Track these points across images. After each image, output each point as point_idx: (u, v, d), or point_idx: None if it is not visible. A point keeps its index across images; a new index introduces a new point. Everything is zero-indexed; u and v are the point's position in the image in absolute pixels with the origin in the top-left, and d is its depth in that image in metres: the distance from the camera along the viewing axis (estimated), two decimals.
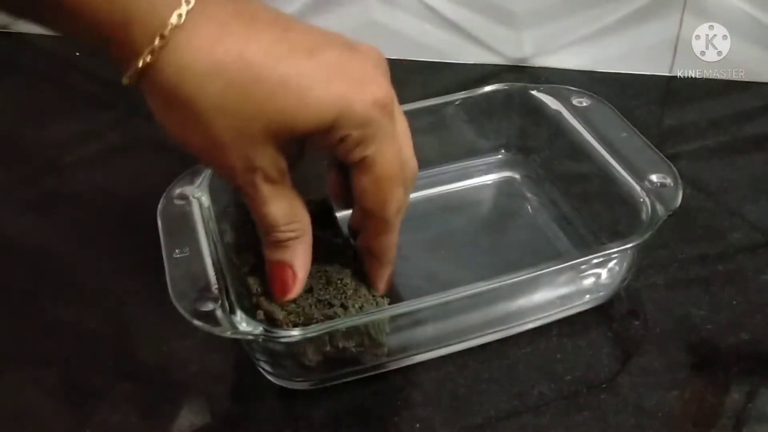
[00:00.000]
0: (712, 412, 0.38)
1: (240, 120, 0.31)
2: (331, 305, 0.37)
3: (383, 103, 0.33)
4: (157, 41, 0.29)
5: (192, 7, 0.30)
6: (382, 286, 0.38)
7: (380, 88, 0.33)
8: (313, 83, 0.31)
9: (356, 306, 0.37)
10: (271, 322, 0.37)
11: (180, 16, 0.30)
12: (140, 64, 0.30)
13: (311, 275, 0.39)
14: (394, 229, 0.36)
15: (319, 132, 0.32)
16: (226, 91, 0.30)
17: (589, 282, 0.42)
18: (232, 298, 0.36)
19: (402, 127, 0.35)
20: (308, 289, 0.38)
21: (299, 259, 0.36)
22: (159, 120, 0.32)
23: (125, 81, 0.31)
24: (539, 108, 0.49)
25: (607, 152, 0.44)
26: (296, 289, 0.36)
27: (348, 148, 0.33)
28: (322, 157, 0.39)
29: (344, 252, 0.41)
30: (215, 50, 0.30)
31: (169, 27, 0.29)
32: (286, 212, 0.35)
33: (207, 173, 0.43)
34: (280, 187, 0.34)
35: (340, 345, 0.37)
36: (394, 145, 0.34)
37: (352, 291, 0.38)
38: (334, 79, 0.32)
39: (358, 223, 0.37)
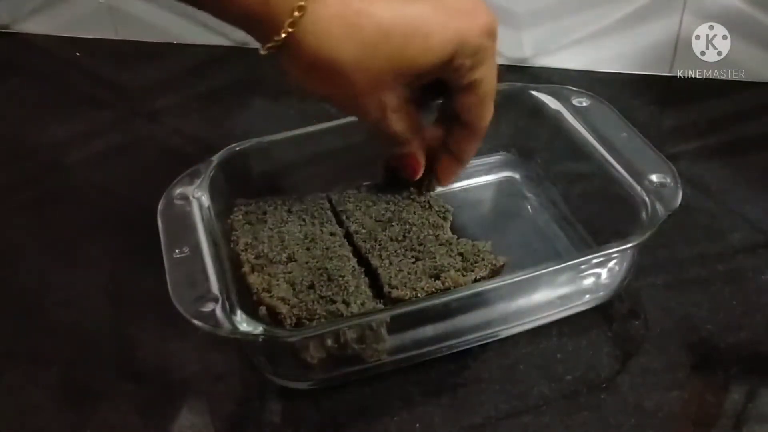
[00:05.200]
0: (712, 412, 0.38)
1: (375, 72, 0.36)
2: (333, 301, 0.37)
3: (491, 28, 0.37)
4: (296, 13, 0.34)
5: None
6: (452, 179, 0.44)
7: (487, 15, 0.37)
8: (433, 27, 0.36)
9: (358, 302, 0.37)
10: (273, 317, 0.37)
11: None
12: (282, 35, 0.34)
13: (312, 272, 0.39)
14: (483, 135, 0.41)
15: (438, 66, 0.37)
16: (361, 49, 0.35)
17: (589, 282, 0.42)
18: (233, 298, 0.36)
19: None
20: (310, 285, 0.38)
21: (420, 150, 0.42)
22: (299, 81, 0.37)
23: (263, 52, 0.36)
24: (539, 108, 0.49)
25: (607, 152, 0.44)
26: (421, 170, 0.42)
27: (462, 74, 0.37)
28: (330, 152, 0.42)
29: (345, 249, 0.41)
30: (347, 14, 0.35)
31: None
32: (407, 127, 0.40)
33: (207, 173, 0.43)
34: (402, 111, 0.38)
35: (342, 340, 0.37)
36: (495, 65, 0.39)
37: (353, 288, 0.38)
38: (450, 18, 0.36)
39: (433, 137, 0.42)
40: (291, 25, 0.34)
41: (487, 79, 0.39)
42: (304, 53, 0.35)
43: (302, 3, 0.34)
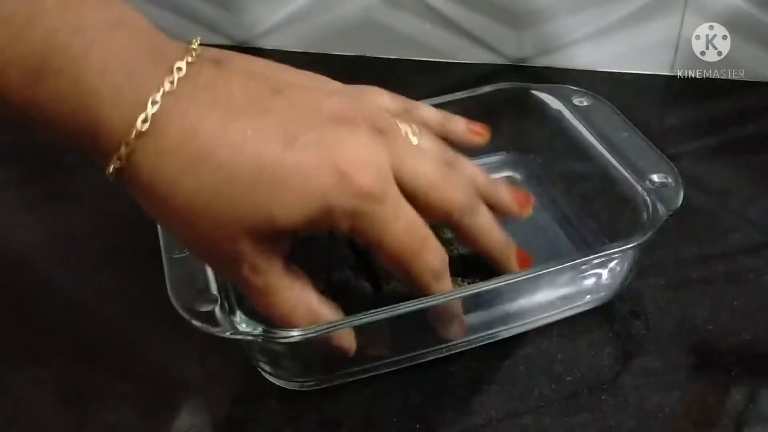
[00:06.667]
0: (714, 413, 0.38)
1: (215, 218, 0.30)
2: (333, 299, 0.37)
3: (369, 192, 0.30)
4: (122, 149, 0.28)
5: (159, 109, 0.28)
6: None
7: (366, 175, 0.30)
8: (288, 178, 0.29)
9: (358, 297, 0.37)
10: None
11: (146, 120, 0.28)
12: (110, 170, 0.29)
13: (311, 272, 0.39)
14: (440, 288, 0.35)
15: (308, 224, 0.31)
16: (198, 191, 0.29)
17: (589, 282, 0.42)
18: (232, 298, 0.36)
19: (429, 171, 0.33)
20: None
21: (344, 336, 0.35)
22: (148, 211, 0.31)
23: (108, 178, 0.30)
24: (540, 107, 0.49)
25: (608, 152, 0.44)
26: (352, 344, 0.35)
27: (346, 234, 0.32)
28: None
29: (342, 246, 0.41)
30: (185, 150, 0.29)
31: (134, 133, 0.28)
32: (290, 299, 0.33)
33: None
34: (274, 274, 0.32)
35: None
36: (395, 226, 0.32)
37: (353, 284, 0.38)
38: (312, 171, 0.30)
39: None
40: (119, 159, 0.29)
41: (389, 240, 0.32)
42: (138, 186, 0.30)
43: (129, 139, 0.28)
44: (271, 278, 0.32)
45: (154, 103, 0.28)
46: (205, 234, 0.31)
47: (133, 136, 0.28)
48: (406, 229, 0.32)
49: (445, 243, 0.38)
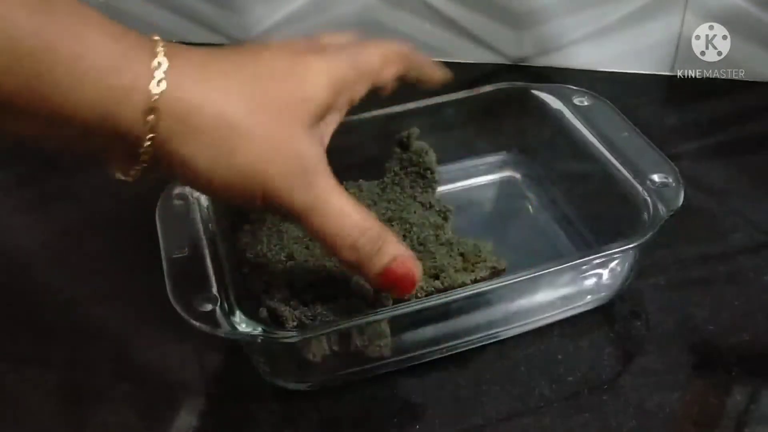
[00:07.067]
0: (714, 413, 0.38)
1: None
2: (334, 298, 0.37)
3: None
4: (150, 116, 0.29)
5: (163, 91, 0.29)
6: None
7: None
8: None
9: (358, 297, 0.37)
10: (275, 319, 0.37)
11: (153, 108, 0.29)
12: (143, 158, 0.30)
13: (312, 270, 0.39)
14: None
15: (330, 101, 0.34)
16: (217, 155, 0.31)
17: (590, 282, 0.42)
18: (232, 298, 0.36)
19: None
20: (309, 284, 0.38)
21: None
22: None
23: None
24: (540, 107, 0.49)
25: (609, 152, 0.44)
26: (419, 274, 0.35)
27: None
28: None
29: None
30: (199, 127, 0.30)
31: (146, 142, 0.30)
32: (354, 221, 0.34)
33: None
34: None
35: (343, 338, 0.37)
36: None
37: (353, 283, 0.38)
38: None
39: None
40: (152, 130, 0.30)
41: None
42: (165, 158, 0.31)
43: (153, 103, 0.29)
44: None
45: (159, 83, 0.29)
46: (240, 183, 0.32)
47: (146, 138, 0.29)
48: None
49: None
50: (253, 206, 0.33)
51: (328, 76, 0.34)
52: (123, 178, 0.32)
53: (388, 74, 0.38)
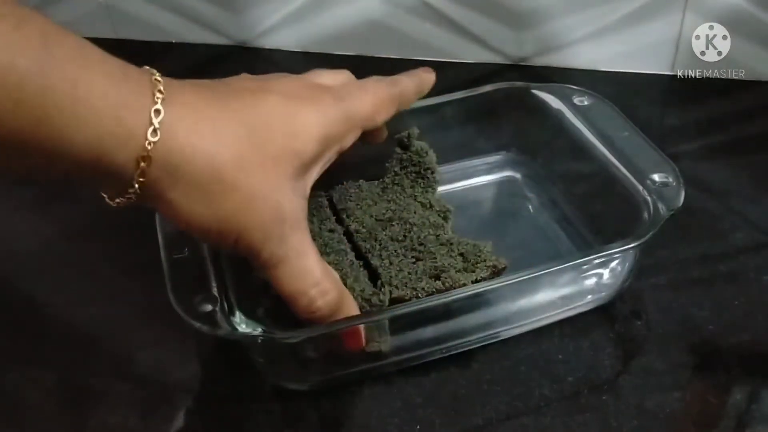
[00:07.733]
0: (714, 413, 0.38)
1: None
2: None
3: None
4: (150, 138, 0.30)
5: (158, 138, 0.30)
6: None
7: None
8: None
9: (357, 290, 0.37)
10: (274, 319, 0.37)
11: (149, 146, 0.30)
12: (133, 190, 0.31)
13: None
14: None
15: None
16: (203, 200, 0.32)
17: (590, 282, 0.42)
18: (232, 299, 0.36)
19: None
20: None
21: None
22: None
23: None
24: (540, 107, 0.49)
25: (609, 151, 0.44)
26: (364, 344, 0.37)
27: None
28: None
29: (343, 244, 0.41)
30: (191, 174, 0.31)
31: (136, 182, 0.30)
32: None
33: None
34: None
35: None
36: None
37: (352, 279, 0.38)
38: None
39: None
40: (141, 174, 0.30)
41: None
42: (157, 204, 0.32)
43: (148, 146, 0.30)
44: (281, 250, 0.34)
45: (154, 132, 0.30)
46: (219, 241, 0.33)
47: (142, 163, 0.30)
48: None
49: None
50: (227, 248, 0.34)
51: (319, 129, 0.35)
52: (110, 203, 0.33)
53: (379, 120, 0.39)
